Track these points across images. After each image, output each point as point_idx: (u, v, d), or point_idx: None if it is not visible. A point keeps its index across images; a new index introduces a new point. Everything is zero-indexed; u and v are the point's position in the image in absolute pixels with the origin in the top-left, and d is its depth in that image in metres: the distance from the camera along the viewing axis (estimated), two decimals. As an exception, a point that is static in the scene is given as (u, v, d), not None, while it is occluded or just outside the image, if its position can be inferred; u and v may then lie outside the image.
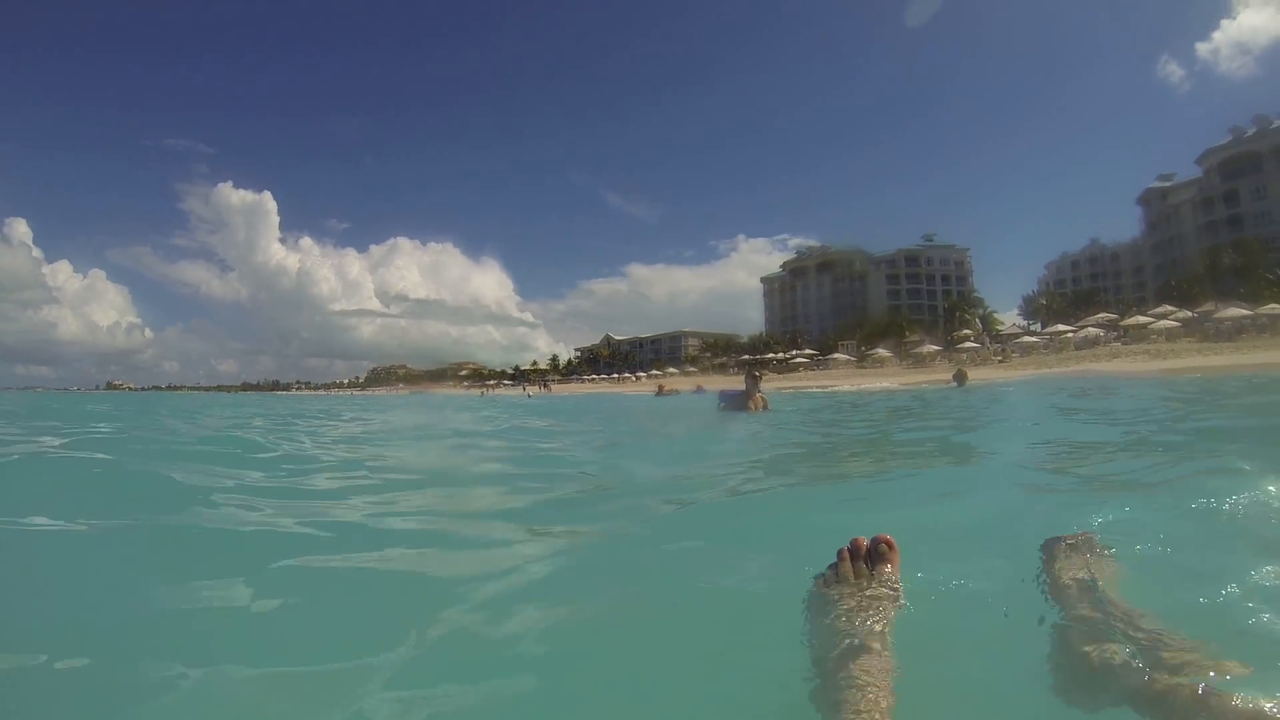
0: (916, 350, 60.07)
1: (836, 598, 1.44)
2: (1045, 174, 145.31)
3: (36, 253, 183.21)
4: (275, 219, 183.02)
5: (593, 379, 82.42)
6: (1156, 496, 3.09)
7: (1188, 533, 2.38)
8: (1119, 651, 1.27)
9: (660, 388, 27.20)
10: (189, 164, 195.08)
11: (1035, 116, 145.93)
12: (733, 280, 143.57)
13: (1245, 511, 2.45)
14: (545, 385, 71.35)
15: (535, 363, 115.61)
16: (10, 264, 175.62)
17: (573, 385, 76.92)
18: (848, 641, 1.31)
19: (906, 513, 3.14)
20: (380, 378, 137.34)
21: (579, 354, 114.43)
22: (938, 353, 57.73)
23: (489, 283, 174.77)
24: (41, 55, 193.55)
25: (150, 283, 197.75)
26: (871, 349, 65.22)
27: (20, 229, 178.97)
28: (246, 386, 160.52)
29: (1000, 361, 48.57)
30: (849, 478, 4.92)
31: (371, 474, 5.07)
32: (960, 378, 18.35)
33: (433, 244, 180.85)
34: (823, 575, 1.52)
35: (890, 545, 1.50)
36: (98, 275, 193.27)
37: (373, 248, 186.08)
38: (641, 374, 76.65)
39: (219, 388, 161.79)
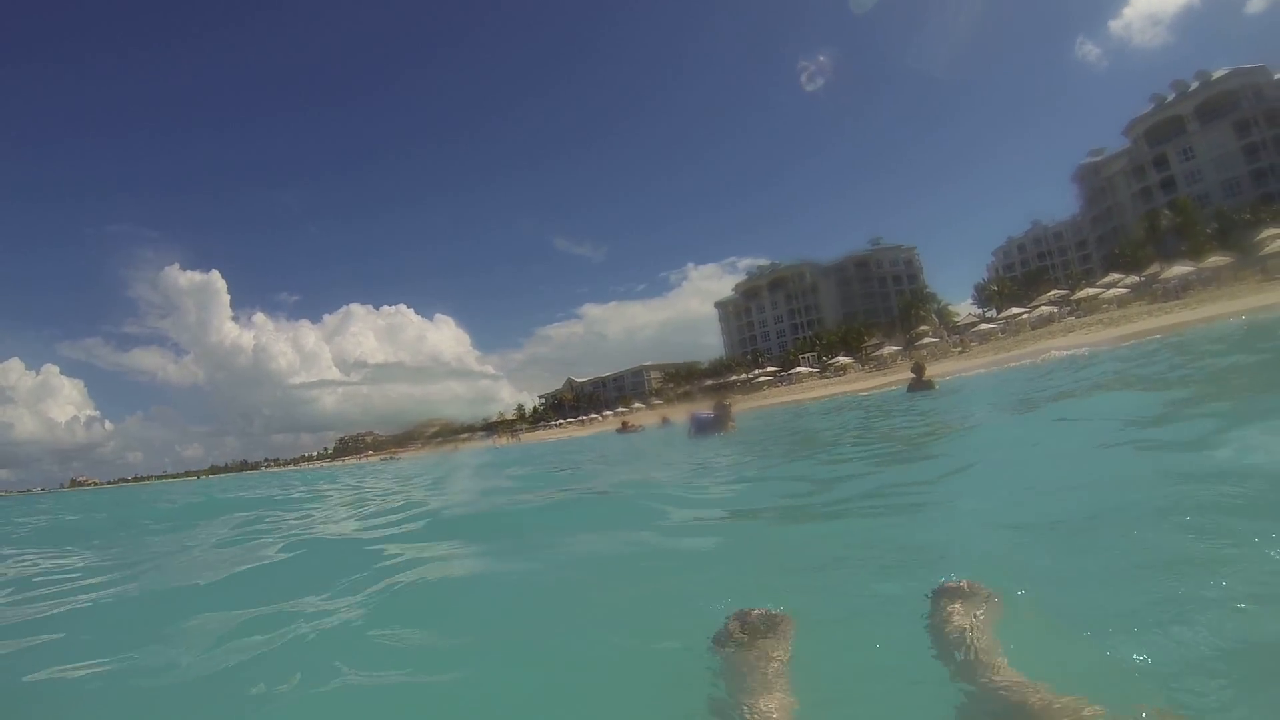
0: (877, 354, 60.24)
1: (731, 653, 1.60)
2: (981, 164, 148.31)
3: None
4: (226, 297, 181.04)
5: (560, 424, 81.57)
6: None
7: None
8: (982, 698, 1.37)
9: (624, 424, 26.64)
10: (133, 249, 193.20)
11: (964, 110, 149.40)
12: (687, 309, 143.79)
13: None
14: (515, 435, 70.39)
15: (502, 414, 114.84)
16: None
17: (540, 432, 76.05)
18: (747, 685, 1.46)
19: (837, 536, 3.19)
20: (349, 447, 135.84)
21: (543, 400, 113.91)
22: (897, 353, 57.72)
23: (446, 339, 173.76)
24: None
25: (105, 373, 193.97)
26: (832, 358, 65.39)
27: None
28: (215, 469, 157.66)
29: (960, 352, 48.57)
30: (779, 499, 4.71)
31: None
32: (918, 371, 14.58)
33: (385, 307, 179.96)
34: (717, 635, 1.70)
35: (786, 620, 1.71)
36: (50, 370, 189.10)
37: (326, 317, 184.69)
38: (608, 413, 76.24)
39: (186, 474, 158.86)
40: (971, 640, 1.55)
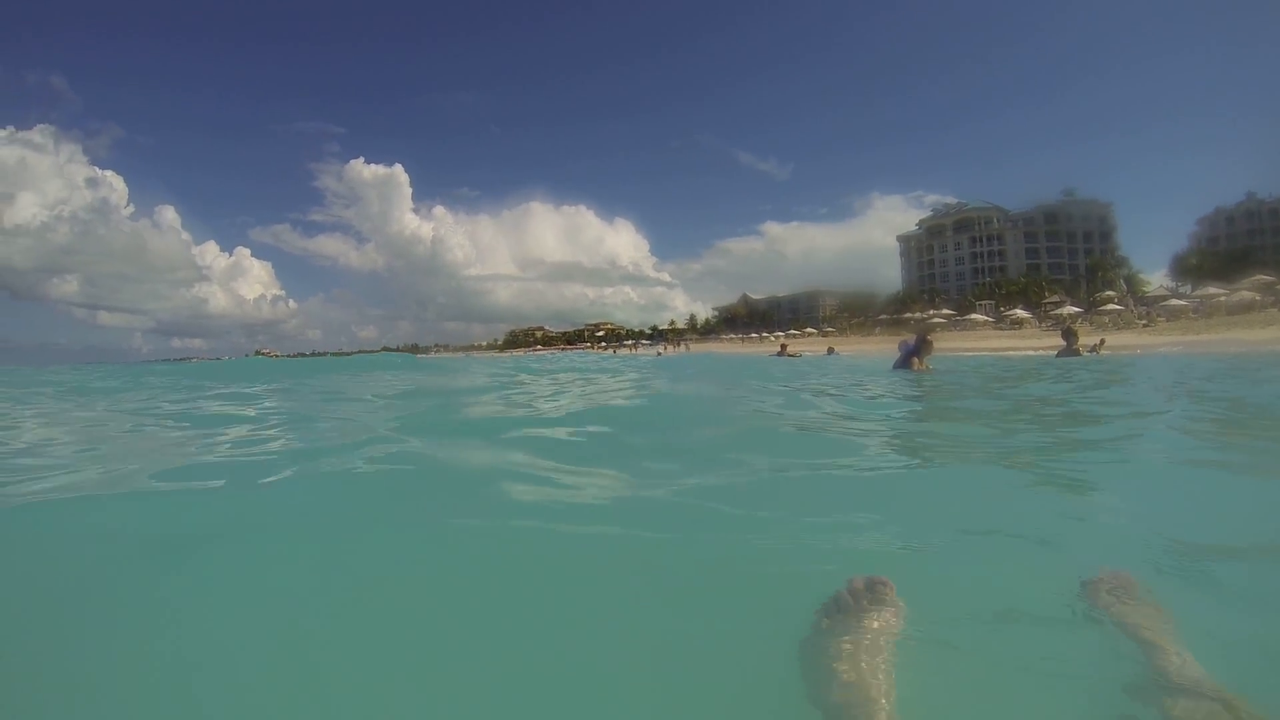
0: (1056, 312, 59.71)
1: (839, 633, 1.40)
2: (1198, 124, 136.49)
3: (185, 235, 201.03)
4: (408, 190, 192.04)
5: (730, 338, 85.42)
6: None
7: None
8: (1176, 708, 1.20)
9: (783, 348, 27.98)
10: (320, 144, 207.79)
11: (1183, 50, 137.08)
12: (869, 238, 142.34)
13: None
14: (684, 345, 74.75)
15: (673, 322, 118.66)
16: (162, 247, 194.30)
17: (709, 344, 79.74)
18: (848, 681, 1.27)
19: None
20: (519, 340, 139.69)
21: (716, 313, 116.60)
22: (1077, 315, 57.08)
23: (624, 244, 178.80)
24: (171, 43, 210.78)
25: (291, 257, 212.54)
26: (1010, 309, 64.75)
27: (169, 215, 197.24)
28: (386, 349, 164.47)
29: (1145, 326, 47.19)
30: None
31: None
32: (1069, 338, 13.54)
33: (566, 207, 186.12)
34: (820, 612, 1.48)
35: (887, 585, 1.49)
36: (242, 253, 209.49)
37: (505, 213, 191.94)
38: (779, 334, 79.30)
39: (360, 351, 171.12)
40: (1137, 633, 1.42)
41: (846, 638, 1.38)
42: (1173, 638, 1.38)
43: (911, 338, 11.31)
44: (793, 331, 77.63)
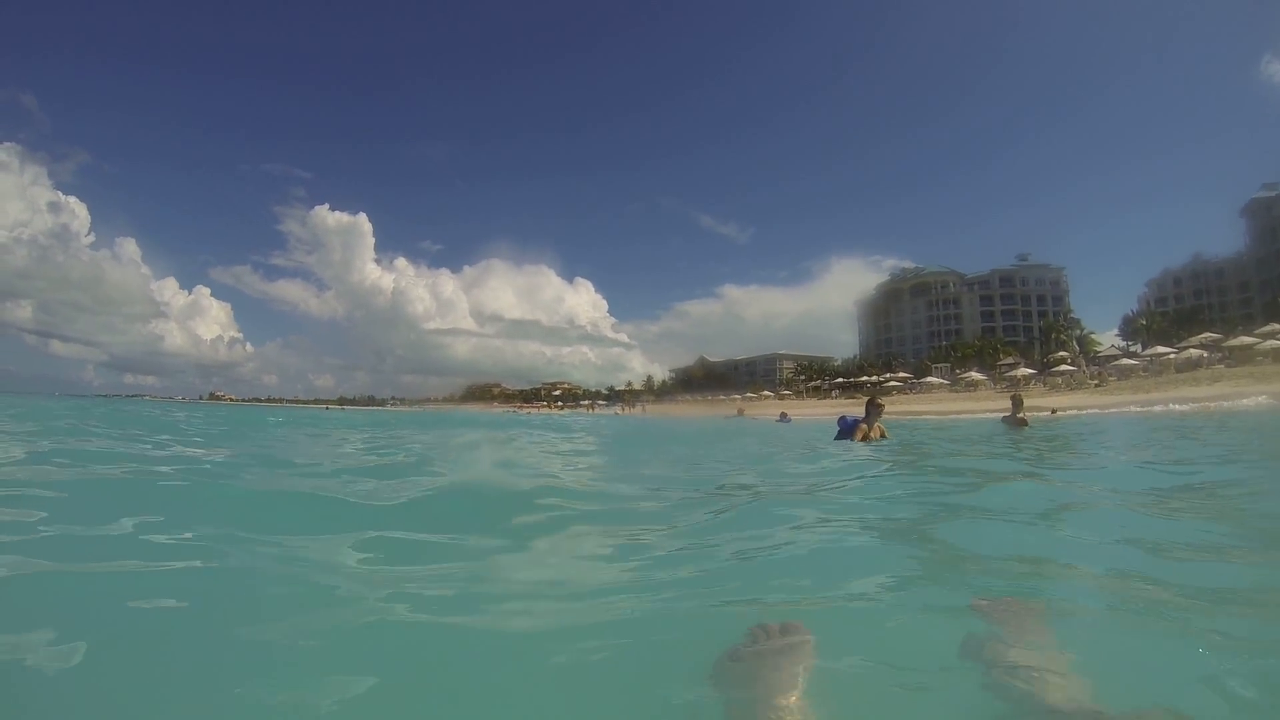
0: (1010, 374, 60.28)
1: (749, 664, 1.43)
2: (1144, 185, 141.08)
3: (145, 269, 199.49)
4: (370, 240, 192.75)
5: (687, 399, 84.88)
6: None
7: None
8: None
9: (740, 410, 28.69)
10: (286, 188, 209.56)
11: (1131, 123, 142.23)
12: (826, 301, 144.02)
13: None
14: (640, 406, 73.98)
15: (630, 383, 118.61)
16: (121, 280, 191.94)
17: (665, 405, 79.31)
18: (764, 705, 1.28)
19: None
20: (476, 395, 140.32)
21: (674, 374, 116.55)
22: (1032, 376, 57.75)
23: (583, 303, 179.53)
24: (147, 72, 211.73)
25: (251, 299, 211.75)
26: (965, 372, 65.66)
27: (130, 248, 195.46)
28: (343, 400, 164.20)
29: (1096, 386, 47.99)
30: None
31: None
32: (1016, 405, 13.05)
33: (527, 265, 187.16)
34: (732, 650, 1.51)
35: (801, 630, 1.50)
36: (202, 291, 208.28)
37: (466, 269, 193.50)
38: (736, 395, 78.80)
39: (315, 401, 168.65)
40: (1011, 652, 1.52)
41: (765, 664, 1.45)
42: (1054, 652, 1.55)
43: (849, 414, 11.16)
44: (749, 395, 76.94)
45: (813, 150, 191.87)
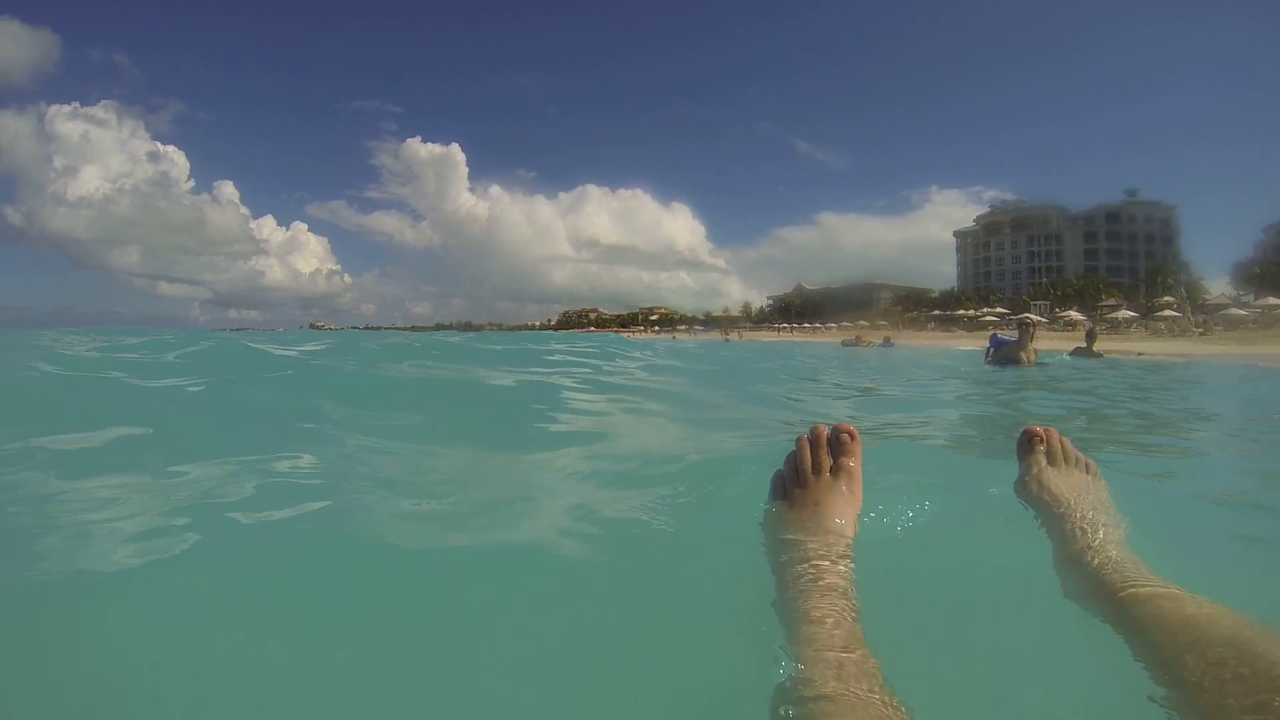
0: (1111, 315, 58.98)
1: (795, 502, 1.29)
2: (1268, 121, 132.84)
3: (244, 210, 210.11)
4: (464, 169, 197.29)
5: (785, 327, 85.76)
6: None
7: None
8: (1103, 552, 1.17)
9: (858, 339, 28.30)
10: (377, 123, 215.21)
11: (1253, 56, 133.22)
12: (925, 232, 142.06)
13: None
14: (737, 332, 75.17)
15: (726, 309, 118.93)
16: (221, 220, 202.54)
17: (763, 333, 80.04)
18: (807, 554, 1.15)
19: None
20: (572, 321, 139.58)
21: (771, 302, 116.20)
22: (1134, 319, 56.44)
23: (680, 228, 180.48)
24: (234, 19, 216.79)
25: (347, 233, 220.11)
26: (1064, 310, 64.22)
27: (228, 189, 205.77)
28: (440, 327, 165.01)
29: (1201, 334, 46.25)
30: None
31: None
32: (1090, 338, 13.44)
33: (622, 190, 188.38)
34: (780, 472, 1.37)
35: (852, 435, 1.34)
36: (299, 227, 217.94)
37: (562, 195, 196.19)
38: (832, 325, 79.69)
39: (413, 328, 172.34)
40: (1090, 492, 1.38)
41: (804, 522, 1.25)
42: (1101, 506, 1.34)
43: (999, 331, 11.15)
44: (845, 323, 77.90)
45: (914, 79, 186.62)
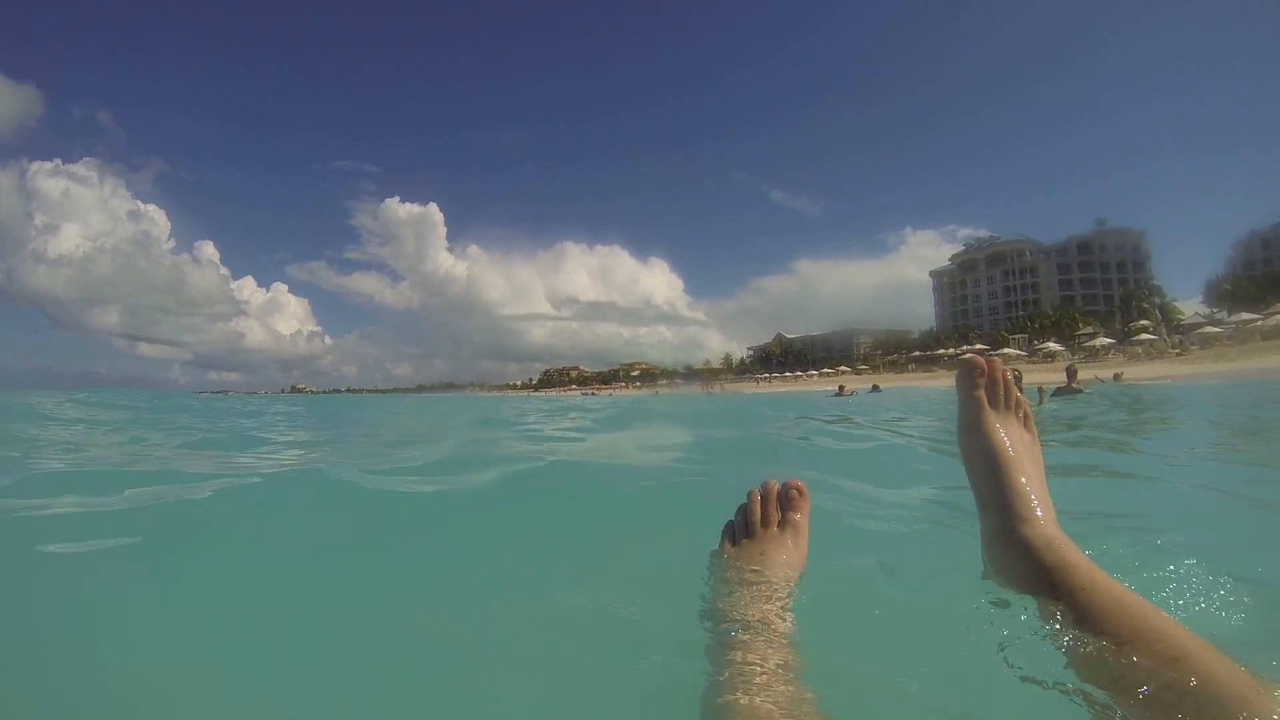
0: (1089, 344, 59.51)
1: (740, 553, 1.32)
2: (1229, 144, 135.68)
3: (224, 270, 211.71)
4: (442, 229, 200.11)
5: (766, 378, 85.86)
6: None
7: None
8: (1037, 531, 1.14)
9: (841, 388, 29.90)
10: (356, 182, 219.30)
11: (1213, 84, 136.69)
12: (901, 274, 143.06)
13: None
14: (718, 385, 74.71)
15: (707, 361, 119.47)
16: (201, 281, 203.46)
17: (744, 384, 79.61)
18: (749, 596, 1.18)
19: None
20: (553, 379, 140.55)
21: (751, 352, 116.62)
22: (1111, 345, 56.87)
23: (658, 283, 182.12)
24: (217, 79, 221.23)
25: (327, 294, 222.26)
26: (1043, 343, 64.96)
27: (209, 250, 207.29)
28: (421, 388, 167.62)
29: (1178, 355, 46.81)
30: None
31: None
32: (1071, 375, 13.51)
33: (600, 246, 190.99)
34: (731, 522, 1.41)
35: (801, 492, 1.37)
36: (279, 289, 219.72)
37: (540, 253, 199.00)
38: (814, 372, 79.76)
39: (395, 390, 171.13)
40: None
41: (750, 568, 1.28)
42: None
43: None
44: (826, 370, 78.00)
45: (884, 123, 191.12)
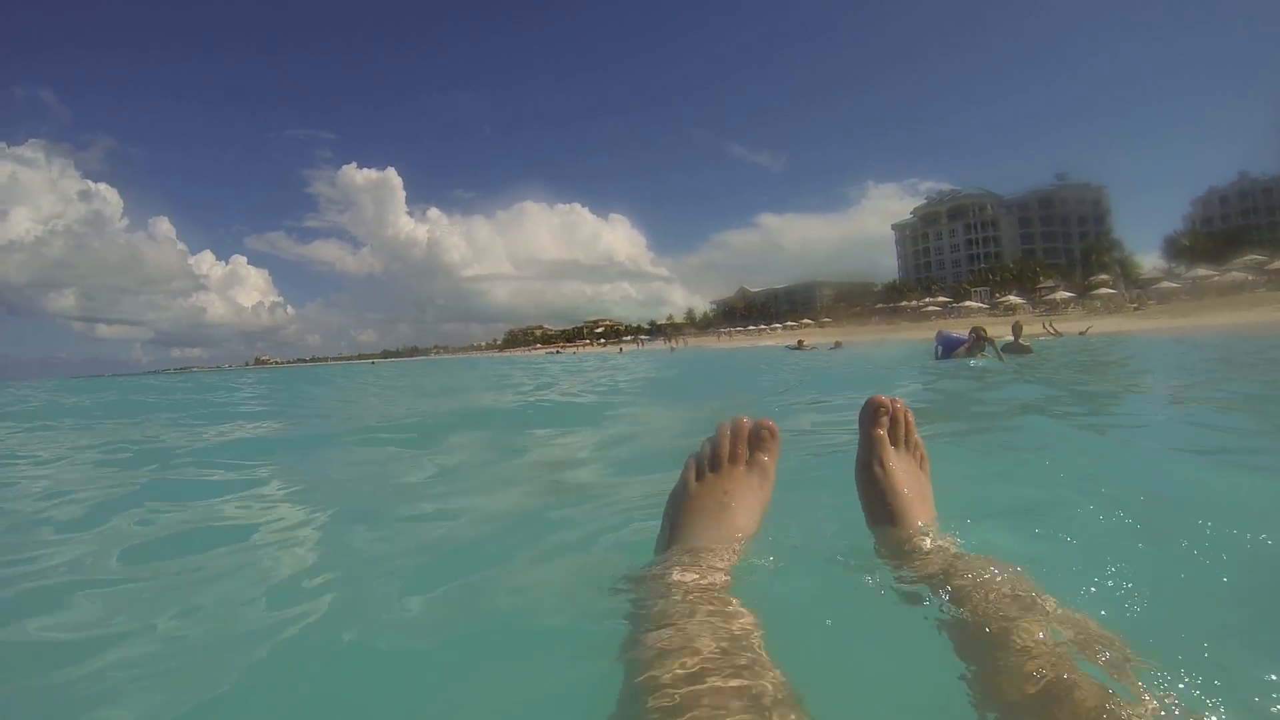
0: (1049, 297, 59.88)
1: (706, 485, 1.26)
2: (1189, 102, 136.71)
3: (181, 246, 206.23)
4: (401, 193, 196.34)
5: (728, 332, 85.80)
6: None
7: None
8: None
9: (800, 343, 29.18)
10: (312, 150, 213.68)
11: (1175, 37, 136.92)
12: (865, 226, 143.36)
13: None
14: (681, 340, 74.70)
15: (671, 317, 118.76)
16: (158, 257, 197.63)
17: (707, 338, 79.84)
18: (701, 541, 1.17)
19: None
20: (518, 339, 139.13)
21: (715, 307, 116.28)
22: (1070, 299, 57.29)
23: (620, 239, 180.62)
24: (161, 54, 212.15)
25: (287, 264, 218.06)
26: (1004, 295, 64.94)
27: (164, 226, 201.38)
28: (387, 354, 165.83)
29: (1135, 309, 46.97)
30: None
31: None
32: (1016, 331, 13.05)
33: (560, 205, 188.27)
34: (696, 454, 1.33)
35: (772, 432, 1.31)
36: (239, 261, 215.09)
37: (500, 213, 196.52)
38: (777, 325, 79.51)
39: (359, 356, 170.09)
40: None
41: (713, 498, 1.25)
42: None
43: (945, 327, 11.21)
44: (790, 324, 77.70)
45: (842, 75, 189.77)
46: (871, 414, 1.38)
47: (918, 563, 1.14)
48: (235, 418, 7.76)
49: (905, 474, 1.33)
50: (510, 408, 7.54)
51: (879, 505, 1.31)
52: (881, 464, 1.33)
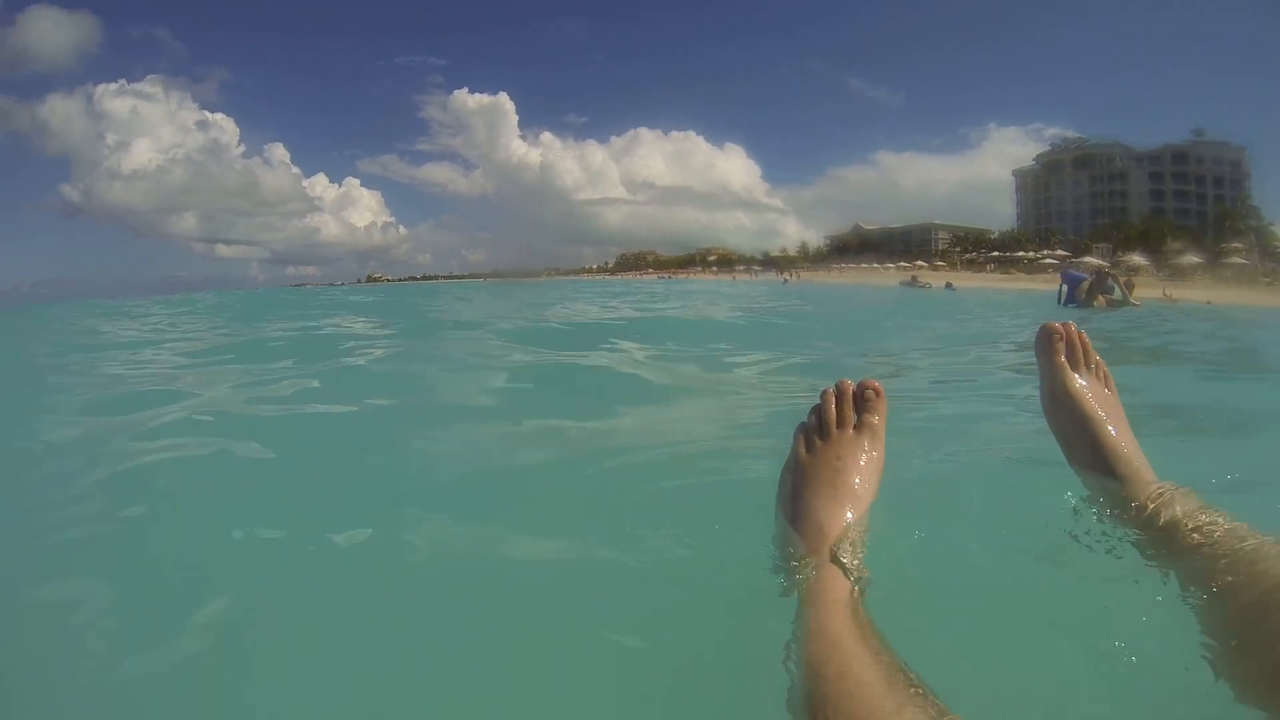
0: (1176, 261, 56.50)
1: (817, 455, 1.22)
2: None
3: (295, 170, 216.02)
4: (514, 118, 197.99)
5: (839, 267, 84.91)
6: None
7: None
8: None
9: (915, 278, 30.52)
10: (423, 76, 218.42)
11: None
12: (984, 170, 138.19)
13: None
14: (795, 273, 74.95)
15: (784, 249, 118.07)
16: (274, 181, 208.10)
17: (820, 273, 79.26)
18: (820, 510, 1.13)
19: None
20: (630, 263, 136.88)
21: (828, 241, 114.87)
22: (1199, 265, 54.89)
23: (735, 169, 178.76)
24: None
25: (400, 185, 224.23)
26: (1127, 254, 61.36)
27: (279, 151, 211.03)
28: (497, 274, 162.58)
29: (1268, 284, 45.14)
30: None
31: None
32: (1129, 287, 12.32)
33: (675, 133, 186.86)
34: (804, 424, 1.29)
35: (878, 392, 1.27)
36: (352, 183, 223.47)
37: (614, 139, 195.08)
38: (890, 265, 79.16)
39: (470, 275, 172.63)
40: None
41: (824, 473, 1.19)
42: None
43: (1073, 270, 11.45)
44: (903, 264, 77.54)
45: (968, 12, 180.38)
46: (1047, 341, 1.33)
47: (1148, 516, 1.06)
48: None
49: (1096, 396, 1.27)
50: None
51: (1075, 436, 1.25)
52: (1069, 392, 1.28)
